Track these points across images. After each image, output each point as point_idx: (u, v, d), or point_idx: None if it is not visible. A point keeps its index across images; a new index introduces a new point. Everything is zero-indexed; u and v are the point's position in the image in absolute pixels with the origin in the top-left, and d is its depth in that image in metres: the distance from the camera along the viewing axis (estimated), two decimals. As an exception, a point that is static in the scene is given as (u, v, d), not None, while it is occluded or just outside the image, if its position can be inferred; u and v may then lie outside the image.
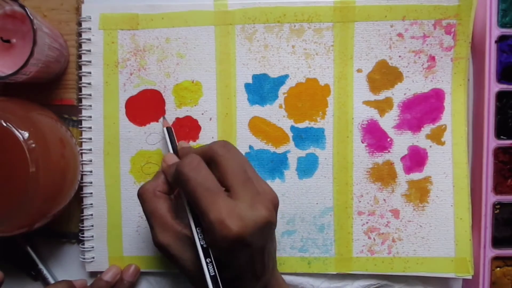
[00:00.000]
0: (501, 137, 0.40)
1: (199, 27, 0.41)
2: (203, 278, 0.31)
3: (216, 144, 0.34)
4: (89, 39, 0.41)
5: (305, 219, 0.42)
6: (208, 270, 0.31)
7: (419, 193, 0.41)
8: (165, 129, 0.40)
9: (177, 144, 0.40)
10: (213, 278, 0.31)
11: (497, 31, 0.40)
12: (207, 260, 0.31)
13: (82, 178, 0.41)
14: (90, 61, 0.41)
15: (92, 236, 0.42)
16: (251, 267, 0.33)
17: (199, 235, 0.32)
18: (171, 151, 0.39)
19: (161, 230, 0.34)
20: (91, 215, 0.42)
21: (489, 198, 0.40)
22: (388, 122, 0.42)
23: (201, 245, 0.32)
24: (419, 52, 0.41)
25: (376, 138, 0.42)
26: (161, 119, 0.41)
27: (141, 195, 0.35)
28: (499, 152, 0.40)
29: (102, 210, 0.42)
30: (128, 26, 0.41)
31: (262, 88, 0.42)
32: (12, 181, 0.34)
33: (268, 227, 0.32)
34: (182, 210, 0.35)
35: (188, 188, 0.32)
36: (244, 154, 0.41)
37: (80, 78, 0.42)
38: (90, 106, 0.42)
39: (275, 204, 0.33)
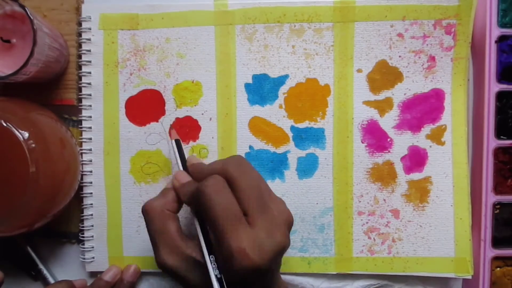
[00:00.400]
0: (501, 137, 0.40)
1: (199, 27, 0.41)
2: None
3: (230, 164, 0.32)
4: (89, 39, 0.41)
5: (305, 219, 0.42)
6: None
7: (419, 193, 0.41)
8: (173, 141, 0.39)
9: (185, 159, 0.38)
10: None
11: (497, 31, 0.40)
12: None
13: (82, 178, 0.41)
14: (90, 61, 0.41)
15: (92, 236, 0.42)
16: (262, 286, 0.32)
17: (212, 264, 0.31)
18: (180, 165, 0.37)
19: (168, 251, 0.32)
20: (91, 215, 0.42)
21: (489, 198, 0.40)
22: (388, 122, 0.42)
23: (215, 275, 0.31)
24: (419, 52, 0.41)
25: (376, 138, 0.42)
26: (160, 120, 0.41)
27: (148, 213, 0.33)
28: (499, 152, 0.40)
29: (102, 210, 0.42)
30: (128, 26, 0.41)
31: (262, 88, 0.42)
32: (12, 181, 0.34)
33: (284, 251, 0.32)
34: (183, 224, 0.34)
35: (210, 211, 0.30)
36: (244, 154, 0.41)
37: (80, 78, 0.42)
38: (90, 106, 0.42)
39: (289, 225, 0.33)
